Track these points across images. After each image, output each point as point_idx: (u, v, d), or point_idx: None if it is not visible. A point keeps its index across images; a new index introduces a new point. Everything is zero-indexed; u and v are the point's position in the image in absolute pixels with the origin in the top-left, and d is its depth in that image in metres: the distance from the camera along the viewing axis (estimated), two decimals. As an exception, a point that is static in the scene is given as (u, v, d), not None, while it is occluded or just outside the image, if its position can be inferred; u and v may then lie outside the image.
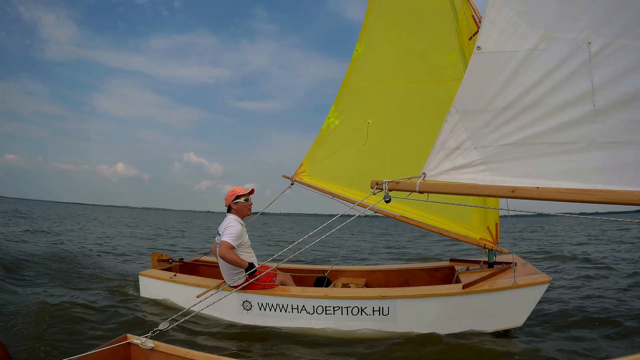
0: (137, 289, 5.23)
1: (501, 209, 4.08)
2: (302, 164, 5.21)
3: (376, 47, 4.90)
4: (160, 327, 2.50)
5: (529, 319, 3.92)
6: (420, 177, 2.40)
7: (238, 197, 4.32)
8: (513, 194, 2.19)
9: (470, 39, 4.39)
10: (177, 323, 2.60)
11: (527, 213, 2.61)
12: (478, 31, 4.51)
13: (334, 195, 4.92)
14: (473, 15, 4.38)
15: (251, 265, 4.07)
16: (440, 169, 2.40)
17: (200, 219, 52.13)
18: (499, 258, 4.73)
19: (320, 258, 9.46)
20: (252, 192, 4.41)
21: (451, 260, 5.21)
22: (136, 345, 2.38)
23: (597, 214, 3.20)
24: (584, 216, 2.59)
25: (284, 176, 5.23)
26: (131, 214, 70.14)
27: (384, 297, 3.87)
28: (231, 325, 4.17)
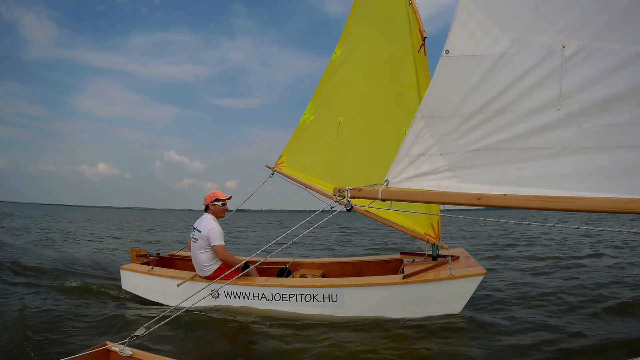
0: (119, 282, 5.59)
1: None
2: (281, 156, 5.50)
3: (352, 50, 5.19)
4: (137, 332, 2.51)
5: (467, 307, 4.30)
6: (383, 184, 2.28)
7: (217, 200, 4.81)
8: (479, 201, 2.06)
9: (419, 51, 4.84)
10: (153, 328, 2.59)
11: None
12: (424, 44, 4.85)
13: (306, 186, 5.22)
14: (420, 29, 4.83)
15: (246, 264, 4.45)
16: (404, 175, 2.29)
17: (182, 217, 50.41)
18: (452, 252, 5.01)
19: (285, 251, 10.05)
20: (229, 198, 4.90)
21: (401, 253, 5.59)
22: (115, 352, 2.36)
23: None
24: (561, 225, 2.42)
25: (266, 166, 5.52)
26: (115, 214, 70.56)
27: (332, 286, 4.30)
28: (200, 310, 4.45)
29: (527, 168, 2.16)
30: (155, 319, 2.67)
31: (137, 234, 19.16)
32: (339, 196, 2.36)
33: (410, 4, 4.89)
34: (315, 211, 2.68)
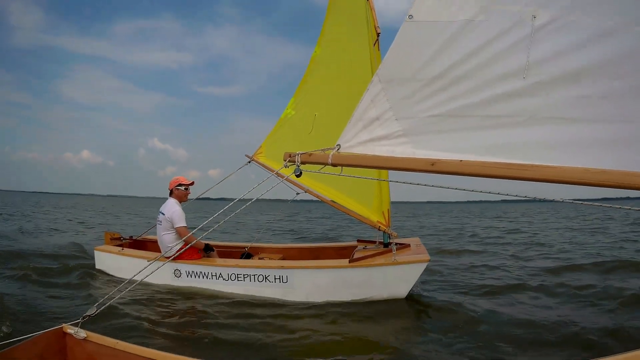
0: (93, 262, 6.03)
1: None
2: (261, 146, 5.72)
3: (327, 48, 5.44)
4: (89, 312, 2.45)
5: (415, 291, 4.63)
6: (335, 148, 2.13)
7: (180, 184, 5.12)
8: (432, 167, 1.89)
9: (374, 45, 4.99)
10: (103, 307, 2.52)
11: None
12: (377, 39, 4.96)
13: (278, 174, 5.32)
14: (375, 25, 5.01)
15: (207, 245, 5.06)
16: (357, 140, 2.13)
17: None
18: (406, 240, 5.40)
19: (249, 236, 10.67)
20: (192, 183, 5.21)
21: (358, 240, 5.82)
22: (71, 335, 2.33)
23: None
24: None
25: (246, 155, 5.73)
26: (98, 201, 72.41)
27: (282, 267, 4.56)
28: (164, 289, 4.84)
29: (489, 136, 2.01)
30: (105, 297, 2.62)
31: (117, 219, 20.38)
32: (289, 161, 2.20)
33: (368, 0, 5.07)
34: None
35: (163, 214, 4.99)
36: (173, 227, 4.91)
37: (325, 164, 2.09)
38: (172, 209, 4.96)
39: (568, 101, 2.00)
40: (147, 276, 2.89)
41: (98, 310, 2.46)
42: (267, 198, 2.70)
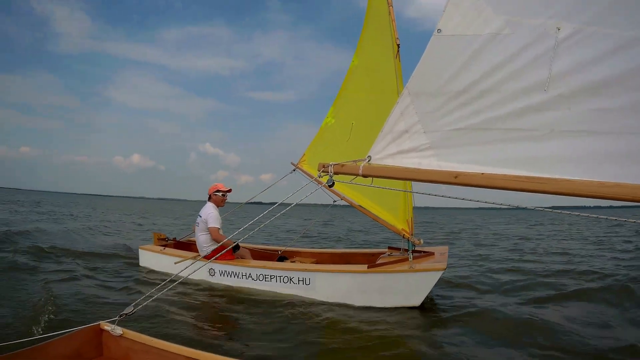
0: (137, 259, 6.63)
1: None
2: (304, 154, 6.05)
3: (363, 59, 5.69)
4: (126, 310, 2.57)
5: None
6: (365, 160, 2.30)
7: (218, 190, 5.64)
8: (456, 179, 2.04)
9: (395, 57, 5.18)
10: (141, 306, 2.65)
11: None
12: (398, 51, 5.12)
13: (318, 182, 5.56)
14: (395, 36, 5.18)
15: (236, 245, 5.33)
16: (386, 152, 2.29)
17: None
18: (433, 249, 5.52)
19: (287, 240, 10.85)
20: (229, 190, 5.72)
21: (389, 247, 5.98)
22: (108, 331, 2.42)
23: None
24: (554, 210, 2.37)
25: (291, 163, 6.05)
26: (148, 204, 76.38)
27: (306, 270, 4.87)
28: (199, 286, 5.21)
29: (511, 149, 2.13)
30: (143, 297, 2.74)
31: (166, 220, 21.35)
32: (322, 171, 2.40)
33: (390, 13, 5.26)
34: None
35: (200, 217, 5.50)
36: (207, 228, 5.37)
37: (357, 174, 2.27)
38: (209, 211, 5.44)
39: (588, 114, 2.08)
40: (187, 275, 3.09)
41: (135, 310, 2.59)
42: (307, 203, 2.92)
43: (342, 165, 2.35)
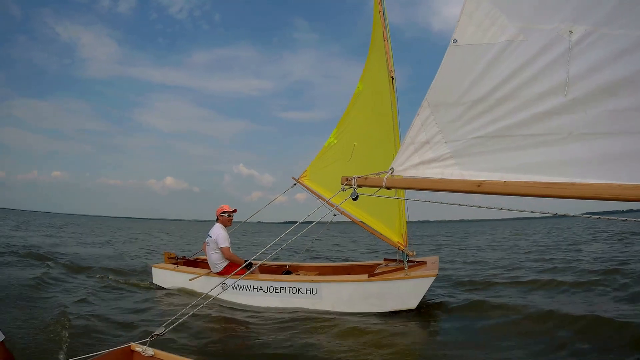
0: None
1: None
2: (306, 170, 6.47)
3: (367, 85, 6.07)
4: (157, 332, 2.62)
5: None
6: (388, 172, 2.36)
7: (224, 212, 6.03)
8: (479, 188, 2.10)
9: (390, 87, 5.51)
10: (172, 327, 2.70)
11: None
12: (392, 83, 5.45)
13: (318, 196, 6.13)
14: (389, 69, 5.53)
15: (250, 263, 5.28)
16: (409, 163, 2.35)
17: (249, 229, 53.05)
18: (425, 259, 6.08)
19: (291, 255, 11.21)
20: (234, 211, 6.12)
21: (385, 259, 6.36)
22: (138, 352, 2.44)
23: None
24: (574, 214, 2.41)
25: (292, 177, 6.54)
26: (181, 225, 76.59)
27: (312, 281, 5.29)
28: (214, 300, 5.13)
29: (530, 155, 2.17)
30: (173, 317, 2.78)
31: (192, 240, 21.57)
32: (346, 184, 2.47)
33: (385, 47, 5.65)
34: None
35: (210, 237, 5.88)
36: (218, 247, 5.76)
37: (380, 186, 2.33)
38: (218, 232, 5.84)
39: (605, 115, 2.10)
40: (217, 295, 3.12)
41: (166, 330, 2.63)
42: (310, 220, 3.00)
43: (366, 178, 2.42)
